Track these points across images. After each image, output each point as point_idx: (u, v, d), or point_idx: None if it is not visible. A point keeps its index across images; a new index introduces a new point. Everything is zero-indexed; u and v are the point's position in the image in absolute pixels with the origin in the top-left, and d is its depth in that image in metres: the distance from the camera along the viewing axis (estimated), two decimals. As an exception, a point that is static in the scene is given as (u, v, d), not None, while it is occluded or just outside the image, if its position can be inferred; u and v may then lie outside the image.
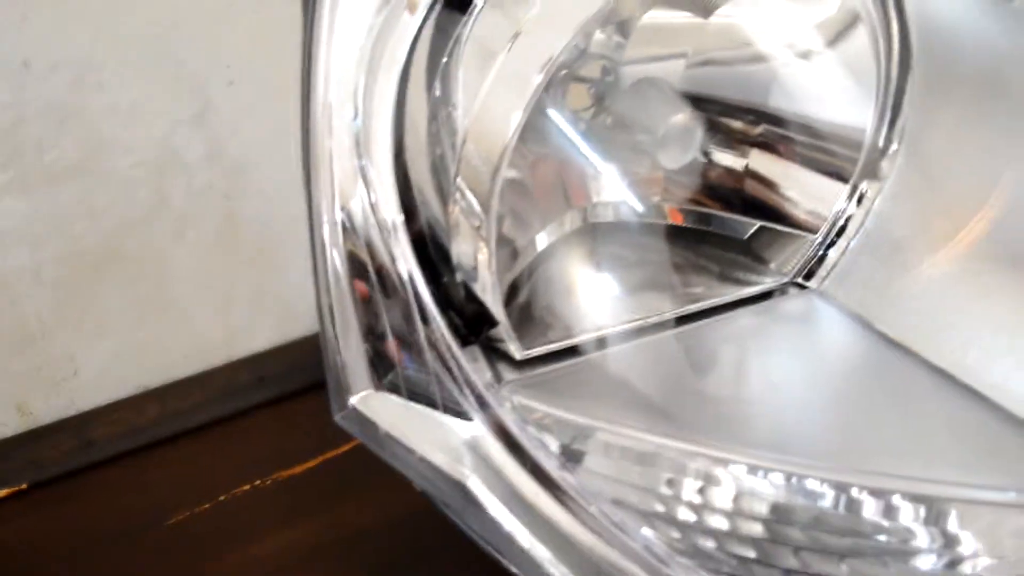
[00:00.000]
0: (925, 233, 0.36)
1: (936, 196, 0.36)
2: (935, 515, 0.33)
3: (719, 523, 0.32)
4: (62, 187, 0.52)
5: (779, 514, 0.33)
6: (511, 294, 0.36)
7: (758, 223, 0.40)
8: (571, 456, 0.32)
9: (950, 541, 0.32)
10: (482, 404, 0.31)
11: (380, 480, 0.38)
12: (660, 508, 0.32)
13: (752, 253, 0.41)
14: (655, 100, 0.35)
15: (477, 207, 0.30)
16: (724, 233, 0.41)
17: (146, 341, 0.59)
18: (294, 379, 0.60)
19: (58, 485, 0.54)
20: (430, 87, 0.32)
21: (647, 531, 0.31)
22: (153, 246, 0.57)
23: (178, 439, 0.57)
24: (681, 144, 0.35)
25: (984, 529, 0.32)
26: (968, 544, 0.32)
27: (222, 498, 0.52)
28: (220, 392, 0.60)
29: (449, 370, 0.31)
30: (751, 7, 0.36)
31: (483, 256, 0.31)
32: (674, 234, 0.41)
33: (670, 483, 0.33)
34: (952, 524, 0.32)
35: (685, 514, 0.31)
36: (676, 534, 0.32)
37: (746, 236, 0.41)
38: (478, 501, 0.30)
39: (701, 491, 0.33)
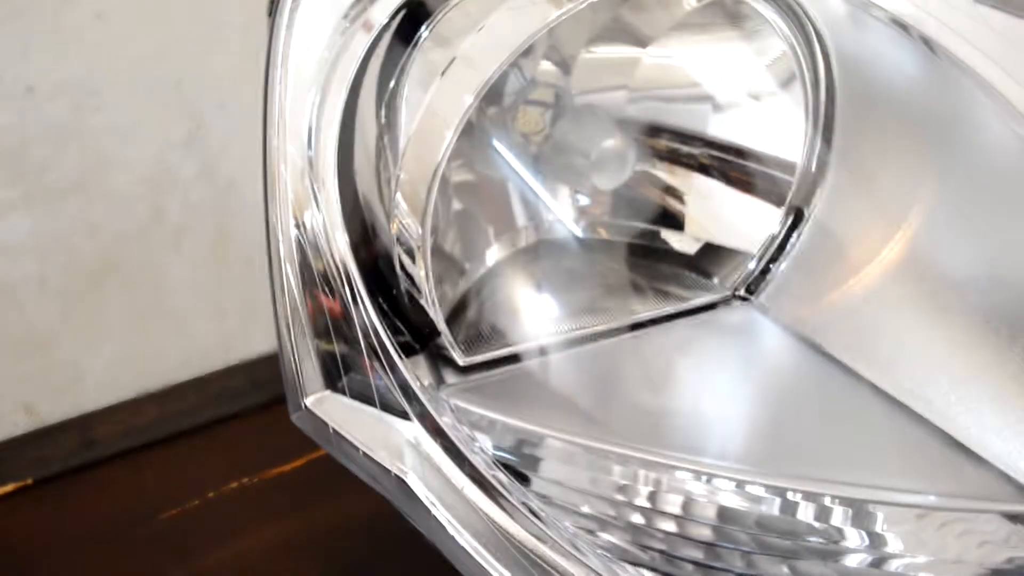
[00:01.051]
0: (853, 251, 0.37)
1: (861, 216, 0.37)
2: (863, 517, 0.34)
3: (636, 518, 0.33)
4: (65, 203, 0.55)
5: (697, 515, 0.35)
6: (461, 306, 0.38)
7: (703, 240, 0.42)
8: (505, 454, 0.34)
9: (876, 541, 0.34)
10: (421, 406, 0.33)
11: (355, 481, 0.40)
12: (586, 507, 0.34)
13: (698, 268, 0.42)
14: (590, 126, 0.36)
15: (415, 223, 0.32)
16: (671, 249, 0.43)
17: (145, 347, 0.61)
18: (285, 384, 0.63)
19: (61, 481, 0.57)
20: (378, 113, 0.34)
21: (569, 523, 0.33)
22: (150, 258, 0.59)
23: (174, 439, 0.59)
24: (613, 167, 0.36)
25: (907, 529, 0.34)
26: (893, 543, 0.34)
27: (211, 495, 0.54)
28: (215, 396, 0.62)
29: (391, 375, 0.33)
30: (689, 47, 0.38)
31: (422, 271, 0.33)
32: (621, 250, 0.43)
33: (594, 482, 0.34)
34: (878, 525, 0.34)
35: (603, 508, 0.33)
36: (596, 526, 0.34)
37: (693, 252, 0.43)
38: (415, 495, 0.33)
39: (623, 489, 0.34)
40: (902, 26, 0.32)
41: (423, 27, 0.34)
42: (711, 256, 0.42)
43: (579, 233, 0.40)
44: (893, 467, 0.35)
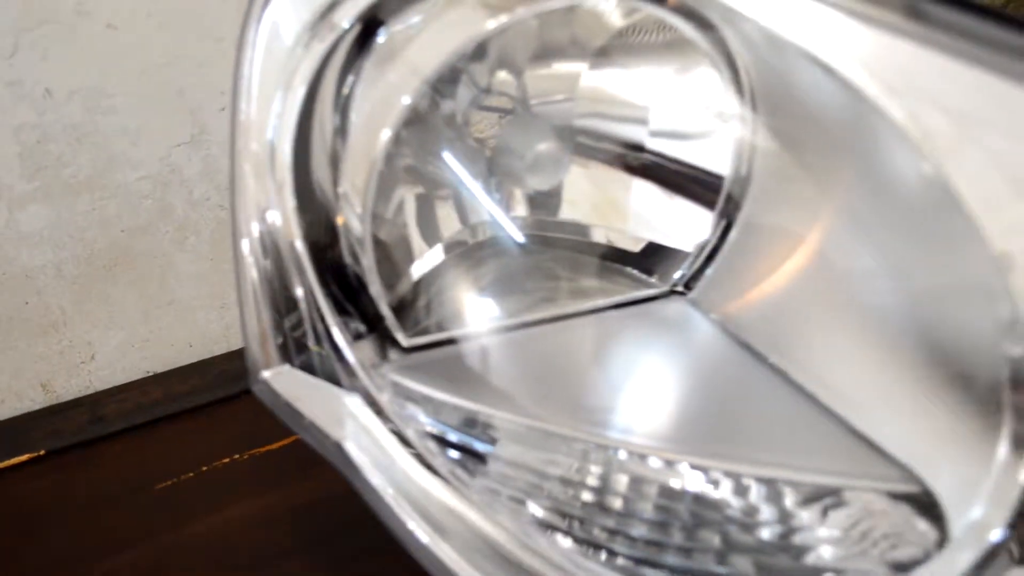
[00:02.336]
0: (770, 255, 0.39)
1: (778, 223, 0.39)
2: (775, 494, 0.36)
3: (556, 487, 0.36)
4: (79, 196, 0.59)
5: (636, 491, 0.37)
6: (411, 296, 0.40)
7: (646, 240, 0.45)
8: (438, 425, 0.37)
9: (785, 516, 0.36)
10: (362, 381, 0.36)
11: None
12: (513, 476, 0.37)
13: (639, 266, 0.45)
14: (527, 130, 0.39)
15: (356, 217, 0.35)
16: (614, 247, 0.45)
17: (152, 333, 0.65)
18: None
19: (71, 453, 0.60)
20: (334, 115, 0.37)
21: (482, 480, 0.35)
22: (158, 250, 0.63)
23: (175, 417, 0.63)
24: (547, 169, 0.39)
25: (812, 505, 0.36)
26: (799, 518, 0.36)
27: (204, 469, 0.57)
28: (215, 378, 0.65)
29: (335, 353, 0.36)
30: (621, 64, 0.40)
31: (365, 262, 0.36)
32: (565, 247, 0.45)
33: (521, 454, 0.37)
34: (788, 501, 0.36)
35: (527, 477, 0.36)
36: (520, 494, 0.36)
37: (637, 251, 0.45)
38: (353, 461, 0.35)
39: (548, 462, 0.37)
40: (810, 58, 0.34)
41: (378, 34, 0.37)
42: (652, 255, 0.44)
43: (521, 234, 0.42)
44: (801, 450, 0.37)
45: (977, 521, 0.31)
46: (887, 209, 0.35)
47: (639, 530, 0.35)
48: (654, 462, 0.37)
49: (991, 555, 0.31)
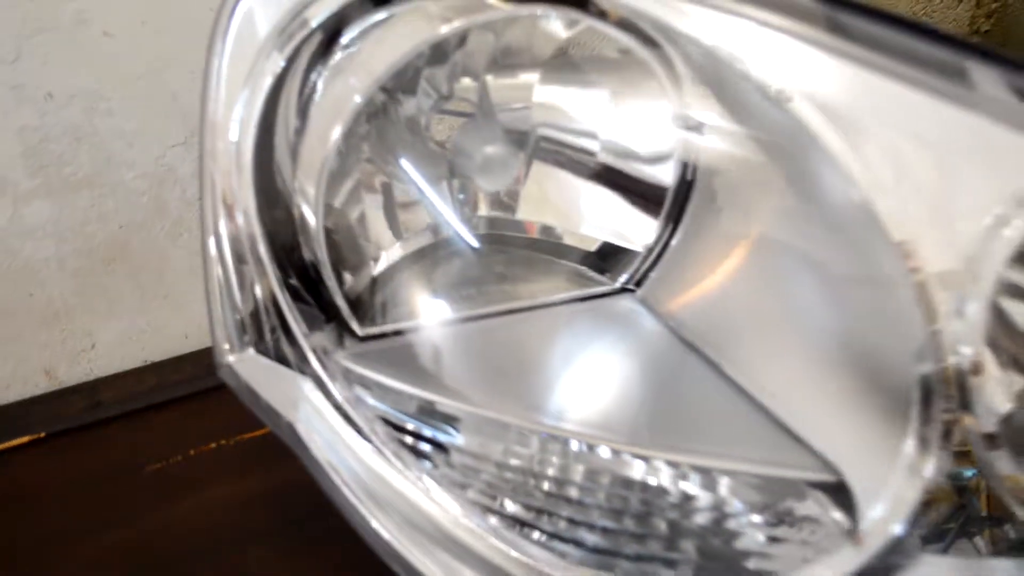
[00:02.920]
0: (712, 251, 0.41)
1: (717, 222, 0.41)
2: (710, 482, 0.38)
3: (492, 470, 0.38)
4: (79, 193, 0.61)
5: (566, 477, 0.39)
6: (369, 290, 0.42)
7: (600, 240, 0.46)
8: (387, 409, 0.39)
9: (720, 503, 0.38)
10: (314, 366, 0.38)
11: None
12: (457, 459, 0.39)
13: (595, 265, 0.46)
14: (479, 134, 0.41)
15: (310, 212, 0.37)
16: (574, 246, 0.47)
17: (149, 323, 0.67)
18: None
19: (68, 436, 0.62)
20: (296, 114, 0.39)
21: (427, 464, 0.37)
22: (154, 245, 0.65)
23: (168, 404, 0.65)
24: (495, 171, 0.41)
25: (745, 493, 0.37)
26: (731, 505, 0.37)
27: (192, 453, 0.60)
28: (208, 367, 0.67)
29: (292, 340, 0.38)
30: (569, 75, 0.42)
31: (321, 254, 0.38)
32: (527, 246, 0.47)
33: (467, 441, 0.39)
34: (722, 488, 0.38)
35: (468, 462, 0.38)
36: (462, 478, 0.38)
37: (593, 250, 0.47)
38: (303, 440, 0.37)
39: (488, 446, 0.39)
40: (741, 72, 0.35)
41: (341, 37, 0.39)
42: (605, 255, 0.45)
43: (475, 236, 0.44)
44: (733, 440, 0.39)
45: (882, 516, 0.33)
46: (814, 214, 0.36)
47: (594, 518, 0.37)
48: (603, 451, 0.38)
49: (893, 547, 0.33)
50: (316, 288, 0.40)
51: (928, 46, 0.33)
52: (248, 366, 0.38)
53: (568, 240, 0.45)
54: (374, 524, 0.35)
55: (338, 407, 0.37)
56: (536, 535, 0.37)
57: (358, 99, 0.36)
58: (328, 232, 0.39)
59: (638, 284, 0.45)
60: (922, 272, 0.32)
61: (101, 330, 0.65)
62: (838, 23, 0.34)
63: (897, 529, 0.33)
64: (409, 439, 0.38)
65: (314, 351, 0.37)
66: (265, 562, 0.50)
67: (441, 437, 0.39)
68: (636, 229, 0.44)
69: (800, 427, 0.37)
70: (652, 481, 0.38)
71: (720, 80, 0.38)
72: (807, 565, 0.34)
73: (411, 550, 0.36)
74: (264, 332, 0.38)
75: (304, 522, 0.52)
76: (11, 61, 0.55)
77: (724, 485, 0.37)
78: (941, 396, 0.32)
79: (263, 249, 0.37)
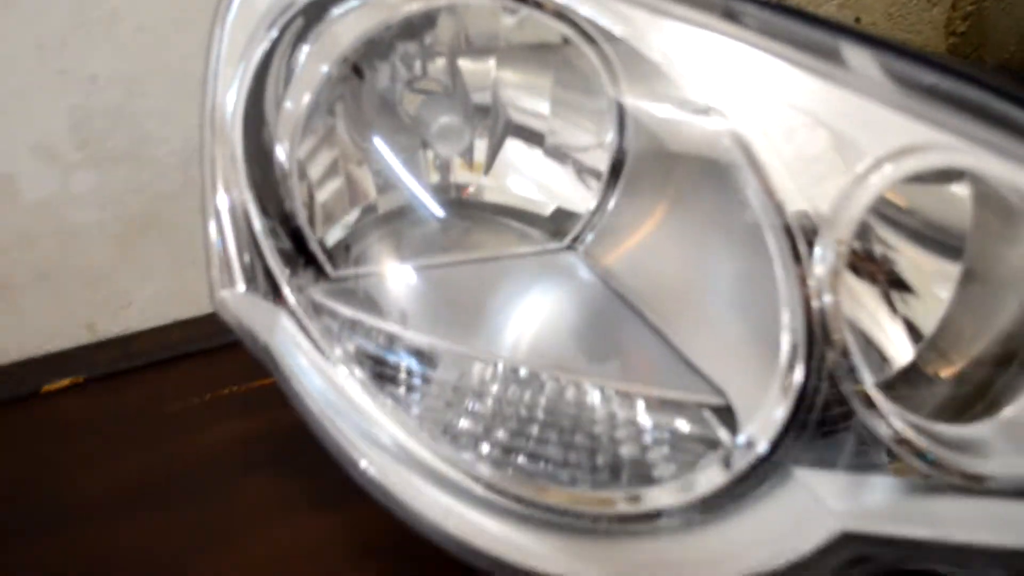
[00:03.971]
0: (636, 216, 0.46)
1: (641, 193, 0.46)
2: (630, 403, 0.43)
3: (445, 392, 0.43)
4: (119, 166, 0.68)
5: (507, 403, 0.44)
6: (344, 242, 0.48)
7: (553, 205, 0.52)
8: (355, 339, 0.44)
9: (634, 420, 0.42)
10: (290, 300, 0.44)
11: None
12: (417, 383, 0.44)
13: (548, 227, 0.51)
14: (437, 106, 0.47)
15: (285, 169, 0.43)
16: (531, 210, 0.52)
17: (179, 285, 0.74)
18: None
19: (105, 380, 0.70)
20: (281, 84, 0.45)
21: (389, 386, 0.43)
22: (185, 215, 0.72)
23: (192, 356, 0.72)
24: (449, 139, 0.47)
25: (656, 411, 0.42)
26: (645, 422, 0.42)
27: (208, 397, 0.66)
28: (224, 326, 0.74)
29: (270, 276, 0.44)
30: (516, 59, 0.47)
31: (297, 208, 0.44)
32: (489, 209, 0.52)
33: (424, 373, 0.44)
34: (639, 411, 0.43)
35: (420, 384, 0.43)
36: (417, 398, 0.43)
37: (547, 213, 0.52)
38: (275, 360, 0.43)
39: (440, 371, 0.44)
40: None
41: (327, 13, 0.44)
42: (557, 218, 0.51)
43: (440, 206, 0.49)
44: (645, 368, 0.44)
45: (752, 433, 0.37)
46: (713, 175, 0.41)
47: (534, 433, 0.43)
48: (545, 377, 0.44)
49: (758, 464, 0.37)
50: (296, 236, 0.46)
51: (808, 30, 0.38)
52: (236, 300, 0.44)
53: (525, 206, 0.51)
54: (332, 432, 0.41)
55: (307, 334, 0.43)
56: (486, 449, 0.43)
57: (324, 68, 0.42)
58: (308, 190, 0.46)
59: (581, 242, 0.50)
60: (788, 219, 0.37)
61: (137, 290, 0.72)
62: (732, 11, 0.39)
63: (763, 447, 0.37)
64: (371, 365, 0.44)
65: (290, 287, 0.43)
66: (261, 487, 0.56)
67: (401, 363, 0.45)
68: (581, 196, 0.49)
69: (700, 360, 0.42)
70: (585, 401, 0.43)
71: (643, 70, 0.43)
72: (689, 473, 0.39)
73: (367, 458, 0.42)
74: (249, 272, 0.44)
75: (297, 456, 0.58)
76: (59, 48, 0.62)
77: (640, 406, 0.42)
78: (803, 335, 0.37)
79: (250, 202, 0.44)
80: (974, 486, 0.37)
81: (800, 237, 0.37)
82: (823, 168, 0.37)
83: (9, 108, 0.64)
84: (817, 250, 0.36)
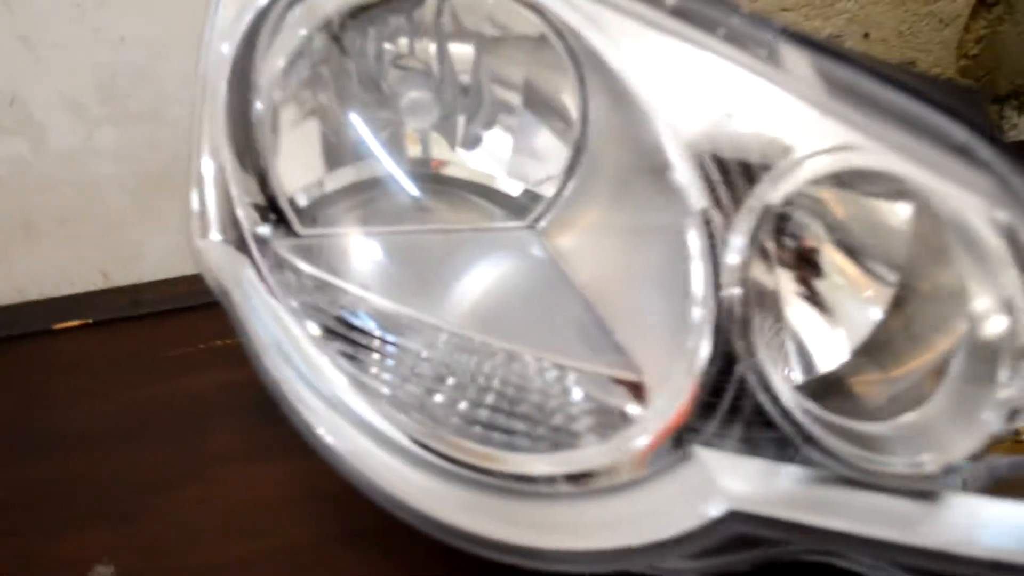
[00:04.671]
0: (584, 198, 0.48)
1: (591, 173, 0.48)
2: (562, 375, 0.45)
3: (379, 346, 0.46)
4: (139, 125, 0.72)
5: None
6: (316, 205, 0.51)
7: (522, 186, 0.54)
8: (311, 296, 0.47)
9: (565, 390, 0.44)
10: (253, 251, 0.47)
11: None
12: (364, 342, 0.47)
13: (516, 206, 0.53)
14: (411, 82, 0.49)
15: (262, 128, 0.46)
16: (497, 189, 0.54)
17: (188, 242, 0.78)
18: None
19: (112, 324, 0.74)
20: (266, 48, 0.48)
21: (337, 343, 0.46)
22: (198, 174, 0.76)
23: (194, 309, 0.76)
24: (418, 114, 0.49)
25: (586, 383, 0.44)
26: (574, 393, 0.44)
27: (201, 346, 0.70)
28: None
29: (240, 230, 0.47)
30: (497, 50, 0.49)
31: (270, 167, 0.47)
32: (461, 187, 0.54)
33: (373, 333, 0.47)
34: (570, 381, 0.45)
35: (367, 341, 0.46)
36: (363, 354, 0.46)
37: (517, 194, 0.54)
38: (235, 307, 0.46)
39: (395, 336, 0.47)
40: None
41: None
42: (525, 199, 0.53)
43: (415, 185, 0.51)
44: (578, 343, 0.45)
45: (656, 412, 0.39)
46: (645, 166, 0.43)
47: (480, 399, 0.45)
48: (492, 346, 0.46)
49: (658, 439, 0.39)
50: (268, 192, 0.49)
51: (750, 28, 0.40)
52: (210, 249, 0.48)
53: (494, 185, 0.53)
54: (273, 374, 0.44)
55: (267, 284, 0.46)
56: (427, 408, 0.45)
57: (303, 32, 0.45)
58: (282, 149, 0.48)
59: (540, 223, 0.52)
60: (707, 211, 0.38)
61: (149, 243, 0.76)
62: (681, 10, 0.40)
63: (664, 423, 0.39)
64: (323, 320, 0.47)
65: (255, 239, 0.46)
66: (235, 431, 0.59)
67: (354, 322, 0.48)
68: (546, 181, 0.51)
69: (626, 341, 0.44)
70: (526, 372, 0.45)
71: (595, 63, 0.44)
72: (600, 442, 0.41)
73: (307, 407, 0.45)
74: (223, 223, 0.47)
75: (274, 405, 0.61)
76: (96, 8, 0.66)
77: (571, 378, 0.44)
78: (711, 323, 0.38)
79: (228, 156, 0.47)
80: (868, 480, 0.38)
81: (717, 228, 0.39)
82: (744, 163, 0.38)
83: (47, 60, 0.69)
84: (731, 242, 0.38)
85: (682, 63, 0.39)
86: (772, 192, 0.37)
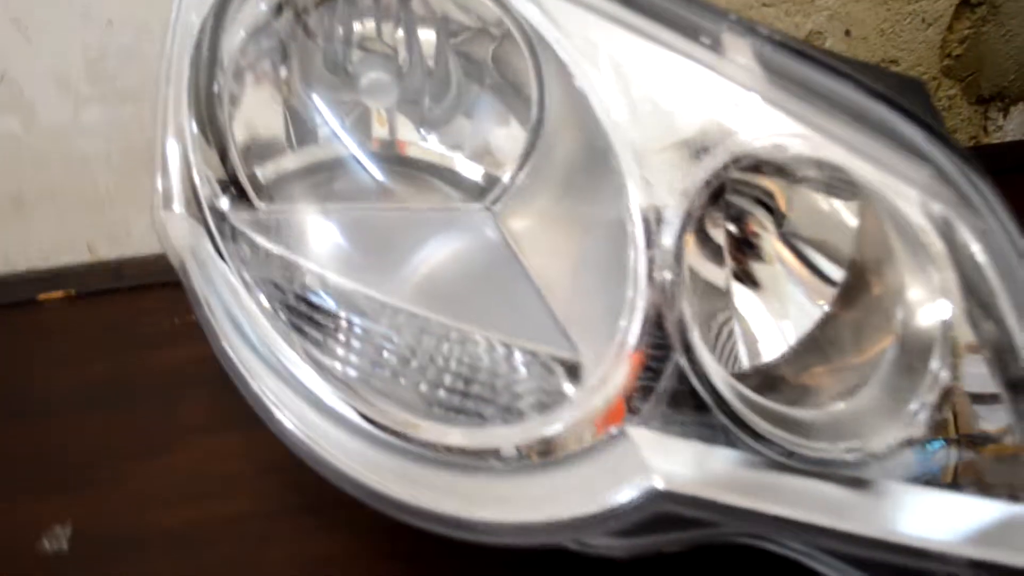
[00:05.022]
0: (536, 183, 0.48)
1: (543, 160, 0.48)
2: (509, 354, 0.45)
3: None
4: (126, 104, 0.72)
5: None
6: (277, 180, 0.51)
7: (482, 169, 0.54)
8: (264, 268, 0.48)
9: (513, 369, 0.45)
10: (210, 224, 0.47)
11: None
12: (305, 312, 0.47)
13: (475, 191, 0.54)
14: (367, 62, 0.49)
15: (222, 98, 0.47)
16: (458, 171, 0.55)
17: (173, 219, 0.79)
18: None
19: (94, 296, 0.75)
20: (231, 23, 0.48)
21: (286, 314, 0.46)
22: (183, 154, 0.77)
23: (174, 285, 0.76)
24: (378, 93, 0.49)
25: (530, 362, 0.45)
26: (519, 372, 0.45)
27: (176, 321, 0.69)
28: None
29: (199, 203, 0.48)
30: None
31: (230, 142, 0.47)
32: (424, 169, 0.55)
33: (330, 301, 0.47)
34: (516, 361, 0.45)
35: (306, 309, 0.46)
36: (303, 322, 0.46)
37: (478, 178, 0.54)
38: (190, 276, 0.47)
39: (346, 312, 0.47)
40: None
41: None
42: (486, 183, 0.53)
43: (379, 168, 0.52)
44: (523, 323, 0.46)
45: (592, 386, 0.40)
46: (594, 160, 0.43)
47: (430, 378, 0.45)
48: (443, 324, 0.46)
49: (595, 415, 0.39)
50: (229, 167, 0.49)
51: (698, 18, 0.40)
52: (170, 220, 0.48)
53: (455, 167, 0.53)
54: (224, 345, 0.45)
55: (221, 256, 0.46)
56: (379, 384, 0.46)
57: (263, 7, 0.45)
58: (244, 124, 0.49)
59: (496, 205, 0.53)
60: (645, 197, 0.38)
61: (135, 221, 0.77)
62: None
63: (597, 404, 0.39)
64: (274, 293, 0.47)
65: (213, 212, 0.47)
66: (204, 402, 0.60)
67: (307, 297, 0.48)
68: (504, 165, 0.51)
69: (566, 320, 0.44)
70: (476, 350, 0.46)
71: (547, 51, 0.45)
72: (538, 419, 0.41)
73: (256, 372, 0.45)
74: (184, 196, 0.48)
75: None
76: (83, -10, 0.68)
77: (517, 357, 0.45)
78: (644, 306, 0.39)
79: (190, 133, 0.47)
80: (796, 465, 0.38)
81: (654, 213, 0.39)
82: (682, 150, 0.39)
83: (37, 40, 0.70)
84: (664, 225, 0.38)
85: (625, 51, 0.40)
86: (703, 176, 0.37)
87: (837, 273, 0.44)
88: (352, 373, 0.46)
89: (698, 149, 0.38)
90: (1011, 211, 0.38)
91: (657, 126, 0.39)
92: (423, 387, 0.45)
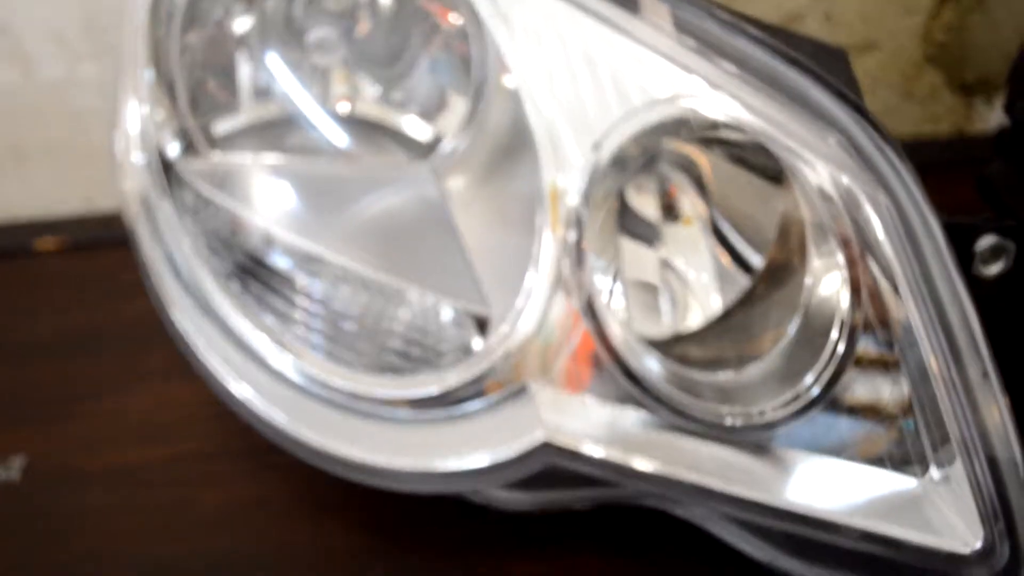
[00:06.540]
0: (472, 148, 0.48)
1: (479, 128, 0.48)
2: (436, 309, 0.45)
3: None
4: None
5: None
6: (232, 134, 0.51)
7: (431, 129, 0.53)
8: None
9: (440, 325, 0.45)
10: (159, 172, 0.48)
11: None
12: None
13: (422, 152, 0.53)
14: (315, 19, 0.49)
15: (177, 57, 0.47)
16: (407, 133, 0.54)
17: (164, 176, 0.80)
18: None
19: (86, 247, 0.76)
20: None
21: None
22: (174, 113, 0.78)
23: None
24: (324, 50, 0.48)
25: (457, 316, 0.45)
26: (446, 330, 0.45)
27: None
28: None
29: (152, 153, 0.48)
30: None
31: (184, 96, 0.48)
32: (382, 131, 0.54)
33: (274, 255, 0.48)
34: (443, 316, 0.45)
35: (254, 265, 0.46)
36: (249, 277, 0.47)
37: (423, 139, 0.54)
38: (131, 218, 0.48)
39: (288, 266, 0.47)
40: None
41: None
42: (430, 143, 0.52)
43: (340, 129, 0.52)
44: (449, 279, 0.45)
45: (496, 340, 0.39)
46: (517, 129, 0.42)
47: (367, 332, 0.45)
48: (380, 280, 0.46)
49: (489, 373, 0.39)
50: (182, 118, 0.49)
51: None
52: (130, 172, 0.49)
53: (406, 129, 0.53)
54: (170, 312, 0.46)
55: (173, 206, 0.47)
56: (315, 340, 0.46)
57: None
58: (197, 76, 0.49)
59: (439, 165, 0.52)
60: (555, 158, 0.38)
61: (129, 175, 0.79)
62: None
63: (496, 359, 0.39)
64: (212, 241, 0.47)
65: (162, 160, 0.47)
66: (160, 348, 0.60)
67: (244, 245, 0.48)
68: (451, 126, 0.51)
69: (482, 276, 0.44)
70: (411, 307, 0.46)
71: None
72: (449, 368, 0.41)
73: (184, 307, 0.46)
74: (142, 145, 0.48)
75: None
76: (79, -50, 0.68)
77: (443, 312, 0.44)
78: (550, 266, 0.38)
79: (146, 82, 0.48)
80: (685, 426, 0.38)
81: (561, 173, 0.38)
82: (592, 111, 0.38)
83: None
84: (571, 184, 0.37)
85: (540, 14, 0.39)
86: (613, 138, 0.37)
87: (756, 258, 0.43)
88: (289, 326, 0.46)
89: (605, 109, 0.37)
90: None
91: (568, 88, 0.38)
92: (360, 343, 0.46)
